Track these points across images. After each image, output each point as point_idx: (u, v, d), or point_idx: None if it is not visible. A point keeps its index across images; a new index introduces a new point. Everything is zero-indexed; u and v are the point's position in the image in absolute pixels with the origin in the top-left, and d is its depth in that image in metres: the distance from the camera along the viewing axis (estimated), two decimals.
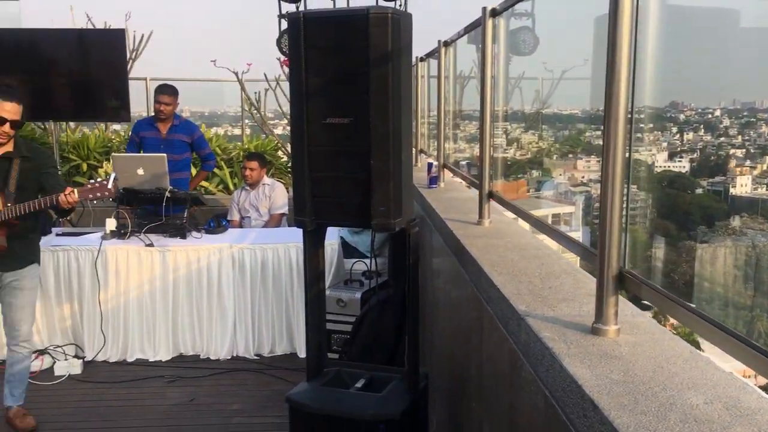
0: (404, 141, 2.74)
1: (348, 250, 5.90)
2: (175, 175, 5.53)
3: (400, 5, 5.39)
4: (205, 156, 6.26)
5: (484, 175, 3.12)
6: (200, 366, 4.94)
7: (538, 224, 2.75)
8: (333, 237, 5.15)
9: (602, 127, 1.62)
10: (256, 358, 5.10)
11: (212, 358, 5.07)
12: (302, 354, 4.99)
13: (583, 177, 5.31)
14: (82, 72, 6.70)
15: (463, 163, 4.82)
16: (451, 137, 5.08)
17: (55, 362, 4.86)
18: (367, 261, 4.90)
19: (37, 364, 4.73)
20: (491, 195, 3.17)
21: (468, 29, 3.63)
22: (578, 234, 4.77)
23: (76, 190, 3.69)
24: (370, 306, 4.52)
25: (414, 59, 5.84)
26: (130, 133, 6.85)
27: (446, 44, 4.39)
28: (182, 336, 5.12)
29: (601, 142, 1.65)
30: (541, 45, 4.27)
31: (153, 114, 6.14)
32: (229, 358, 5.07)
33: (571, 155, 5.49)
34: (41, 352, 4.88)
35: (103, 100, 6.70)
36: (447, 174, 4.74)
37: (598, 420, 1.32)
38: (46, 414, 4.18)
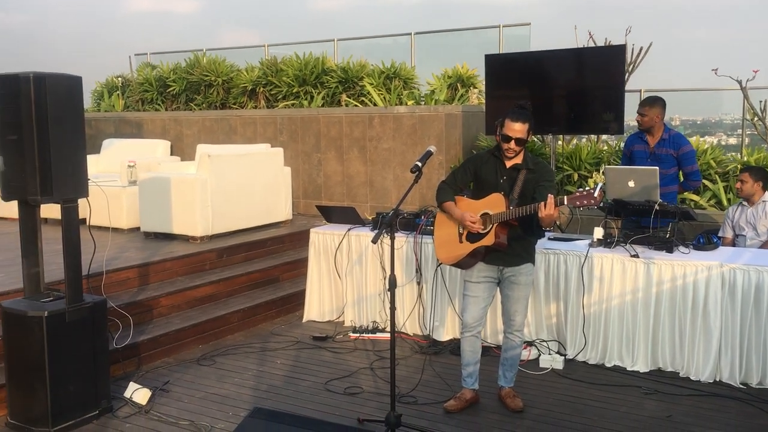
0: None
1: None
2: (662, 190, 5.46)
3: None
4: (689, 173, 6.03)
5: None
6: (678, 384, 4.81)
7: None
8: None
9: None
10: (742, 387, 4.73)
11: (692, 378, 4.88)
12: None
13: None
14: (579, 88, 7.12)
15: None
16: None
17: (540, 355, 5.31)
18: None
19: (525, 354, 5.23)
20: None
21: None
22: None
23: (556, 199, 3.89)
24: None
25: None
26: (621, 144, 7.00)
27: None
28: (662, 350, 5.05)
29: None
30: None
31: None
32: (711, 381, 4.81)
33: None
34: (529, 344, 5.38)
35: (598, 113, 6.99)
36: None
37: None
38: (532, 399, 4.61)
